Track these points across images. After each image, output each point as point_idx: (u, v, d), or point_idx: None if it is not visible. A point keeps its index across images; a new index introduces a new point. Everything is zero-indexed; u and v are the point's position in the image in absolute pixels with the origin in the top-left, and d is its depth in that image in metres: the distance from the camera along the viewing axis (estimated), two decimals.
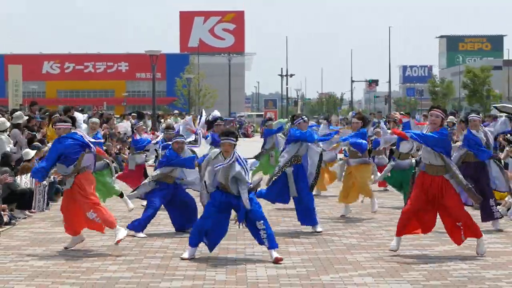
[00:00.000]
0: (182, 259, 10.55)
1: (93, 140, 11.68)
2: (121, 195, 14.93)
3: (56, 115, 21.99)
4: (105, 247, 11.52)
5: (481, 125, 13.78)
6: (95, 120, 15.71)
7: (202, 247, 10.85)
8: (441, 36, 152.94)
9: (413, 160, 16.02)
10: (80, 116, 15.65)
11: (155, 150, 16.66)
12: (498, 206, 14.15)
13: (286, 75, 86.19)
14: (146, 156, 18.33)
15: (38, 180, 11.73)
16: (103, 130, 20.18)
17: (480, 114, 24.58)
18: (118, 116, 35.42)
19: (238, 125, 63.77)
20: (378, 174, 16.79)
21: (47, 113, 23.59)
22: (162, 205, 12.98)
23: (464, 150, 13.39)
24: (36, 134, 18.90)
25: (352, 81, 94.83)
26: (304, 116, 13.59)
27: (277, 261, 10.29)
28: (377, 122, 33.35)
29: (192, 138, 16.20)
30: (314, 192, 18.32)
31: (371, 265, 10.20)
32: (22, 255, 10.95)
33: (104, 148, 17.09)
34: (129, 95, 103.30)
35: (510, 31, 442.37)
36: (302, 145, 13.04)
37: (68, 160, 11.05)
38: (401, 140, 15.99)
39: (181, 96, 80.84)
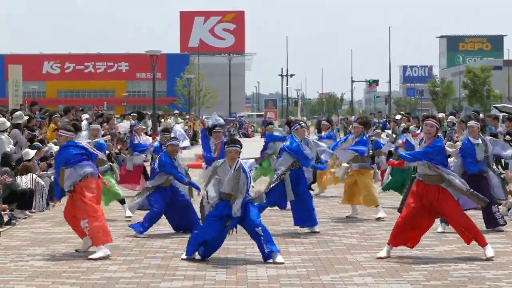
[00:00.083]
0: (183, 259, 10.55)
1: (94, 151, 11.72)
2: (122, 201, 14.91)
3: (56, 115, 22.07)
4: None
5: (482, 131, 13.63)
6: (96, 126, 15.68)
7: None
8: (441, 36, 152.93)
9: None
10: (83, 131, 15.60)
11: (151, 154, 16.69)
12: (498, 206, 14.14)
13: (286, 75, 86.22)
14: (146, 156, 18.35)
15: (57, 199, 11.60)
16: (103, 130, 20.19)
17: (481, 115, 24.71)
18: (118, 116, 35.40)
19: (238, 125, 63.80)
20: (378, 175, 16.77)
21: (47, 113, 23.61)
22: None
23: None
24: (36, 134, 18.92)
25: (353, 81, 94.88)
26: (302, 122, 13.55)
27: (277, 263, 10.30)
28: (378, 122, 33.50)
29: (187, 143, 16.21)
30: (315, 192, 18.42)
31: (371, 265, 10.20)
32: (22, 255, 10.95)
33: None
34: (129, 95, 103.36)
35: (510, 31, 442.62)
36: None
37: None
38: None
39: (181, 96, 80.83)
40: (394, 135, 23.00)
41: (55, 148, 18.13)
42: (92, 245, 10.97)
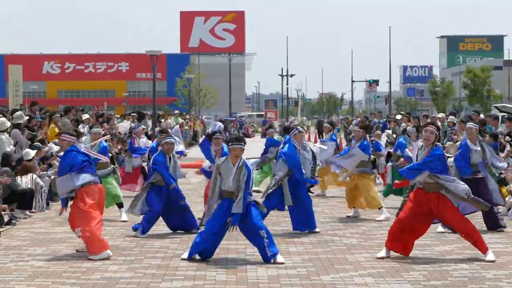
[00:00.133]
0: (183, 259, 10.55)
1: (97, 155, 11.70)
2: (120, 204, 14.90)
3: (56, 115, 22.07)
4: None
5: (481, 134, 13.58)
6: (97, 130, 15.65)
7: None
8: (442, 36, 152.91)
9: None
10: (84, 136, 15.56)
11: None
12: (498, 206, 14.14)
13: (287, 75, 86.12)
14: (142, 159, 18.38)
15: (63, 207, 11.50)
16: (103, 130, 20.18)
17: (481, 115, 24.69)
18: (119, 116, 35.39)
19: (238, 125, 63.79)
20: (378, 176, 16.80)
21: (47, 113, 23.60)
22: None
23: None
24: (37, 134, 18.91)
25: (353, 81, 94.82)
26: (300, 127, 13.52)
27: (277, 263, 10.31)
28: (378, 122, 33.50)
29: (181, 148, 16.22)
30: (318, 192, 18.42)
31: (371, 265, 10.20)
32: (23, 255, 10.95)
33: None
34: (130, 95, 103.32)
35: (510, 31, 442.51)
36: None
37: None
38: (398, 147, 16.18)
39: (181, 96, 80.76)
40: (394, 135, 23.04)
41: (55, 148, 18.14)
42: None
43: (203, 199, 14.31)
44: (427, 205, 10.59)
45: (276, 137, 20.66)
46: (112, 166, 14.87)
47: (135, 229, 12.68)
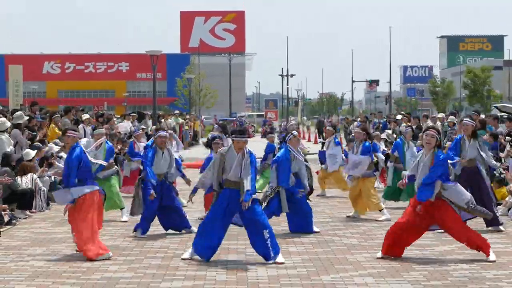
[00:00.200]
0: (183, 259, 10.55)
1: (99, 161, 11.68)
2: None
3: (57, 115, 22.08)
4: None
5: (475, 136, 13.53)
6: (100, 131, 15.60)
7: None
8: (442, 36, 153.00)
9: None
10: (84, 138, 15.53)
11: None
12: (498, 206, 14.15)
13: (287, 75, 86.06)
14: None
15: (69, 203, 11.46)
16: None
17: (482, 115, 24.68)
18: (119, 116, 35.38)
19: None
20: (378, 179, 16.84)
21: (47, 113, 23.61)
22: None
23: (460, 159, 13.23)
24: (38, 135, 18.91)
25: (353, 81, 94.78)
26: (294, 131, 13.49)
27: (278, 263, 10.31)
28: (378, 122, 33.49)
29: (177, 153, 16.25)
30: (318, 193, 18.42)
31: (371, 265, 10.20)
32: (23, 255, 10.96)
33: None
34: (130, 95, 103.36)
35: (510, 31, 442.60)
36: (292, 163, 12.98)
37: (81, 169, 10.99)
38: (396, 148, 16.19)
39: (181, 96, 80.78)
40: (394, 135, 23.06)
41: (56, 148, 18.15)
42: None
43: (203, 199, 14.32)
44: (429, 211, 10.52)
45: (276, 141, 20.62)
46: (116, 167, 14.89)
47: (135, 229, 12.69)
